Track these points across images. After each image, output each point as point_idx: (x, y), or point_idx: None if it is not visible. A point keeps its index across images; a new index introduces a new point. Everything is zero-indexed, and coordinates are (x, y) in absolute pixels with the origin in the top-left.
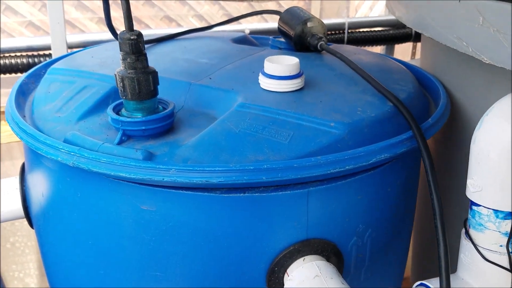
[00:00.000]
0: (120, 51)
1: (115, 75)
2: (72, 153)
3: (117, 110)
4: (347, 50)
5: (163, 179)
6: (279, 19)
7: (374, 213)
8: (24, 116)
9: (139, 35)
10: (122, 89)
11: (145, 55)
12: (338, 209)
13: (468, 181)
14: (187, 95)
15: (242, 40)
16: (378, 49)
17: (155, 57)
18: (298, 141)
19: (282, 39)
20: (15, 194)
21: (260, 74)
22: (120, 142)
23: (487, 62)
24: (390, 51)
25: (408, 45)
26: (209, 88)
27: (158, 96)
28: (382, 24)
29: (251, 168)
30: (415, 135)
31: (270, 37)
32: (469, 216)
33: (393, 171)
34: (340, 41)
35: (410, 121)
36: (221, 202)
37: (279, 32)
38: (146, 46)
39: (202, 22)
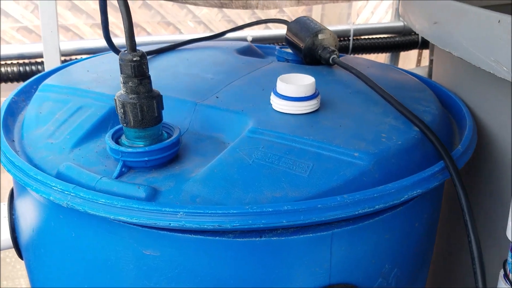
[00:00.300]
0: (121, 73)
1: (115, 100)
2: (66, 192)
3: (116, 137)
4: (359, 63)
5: (170, 224)
6: (287, 29)
7: (401, 250)
8: (13, 141)
9: (143, 56)
10: (123, 116)
11: (149, 77)
12: (364, 251)
13: (510, 222)
14: (193, 116)
15: (247, 50)
16: (383, 56)
17: (156, 72)
18: (319, 174)
19: (289, 50)
20: (3, 223)
21: (272, 94)
22: (119, 175)
23: None
24: (396, 58)
25: (414, 52)
26: (217, 109)
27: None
28: (387, 31)
29: (270, 210)
30: (448, 167)
31: (276, 47)
32: (510, 258)
33: (421, 205)
34: (345, 48)
35: (442, 150)
36: (234, 247)
37: (287, 43)
38: None
39: (200, 26)
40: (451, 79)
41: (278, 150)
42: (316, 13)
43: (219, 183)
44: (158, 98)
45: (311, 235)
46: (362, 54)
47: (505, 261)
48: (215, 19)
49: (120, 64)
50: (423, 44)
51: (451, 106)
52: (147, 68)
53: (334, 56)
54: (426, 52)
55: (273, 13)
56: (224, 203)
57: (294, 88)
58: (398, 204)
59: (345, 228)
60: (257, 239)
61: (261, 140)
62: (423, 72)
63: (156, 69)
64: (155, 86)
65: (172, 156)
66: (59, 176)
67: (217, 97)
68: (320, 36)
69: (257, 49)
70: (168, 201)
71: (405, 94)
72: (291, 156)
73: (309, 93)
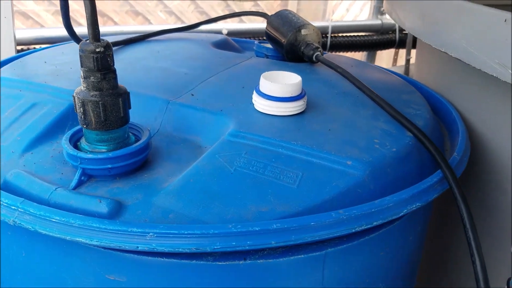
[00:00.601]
0: (82, 67)
1: (73, 97)
2: (14, 207)
3: (75, 140)
4: (341, 61)
5: (138, 247)
6: (268, 23)
7: (395, 266)
8: None
9: (107, 47)
10: (83, 116)
11: (114, 72)
12: (358, 270)
13: None
14: (164, 116)
15: (223, 44)
16: (359, 54)
17: (123, 65)
18: (310, 185)
19: (268, 45)
20: None
21: (254, 93)
22: (78, 185)
23: None
24: (372, 57)
25: (387, 52)
26: (192, 108)
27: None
28: (365, 28)
29: (257, 229)
30: (448, 178)
31: (255, 41)
32: None
33: (416, 218)
34: (322, 46)
35: (441, 161)
36: (215, 272)
37: (267, 38)
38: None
39: (171, 17)
40: (436, 80)
41: (263, 157)
42: (291, 8)
43: (196, 196)
44: (125, 95)
45: (302, 256)
46: (339, 52)
47: (509, 279)
48: (187, 10)
49: (80, 56)
50: (400, 43)
51: (439, 108)
52: (112, 60)
53: (318, 53)
54: (402, 52)
55: (247, 6)
56: (202, 220)
57: (279, 87)
58: (396, 218)
59: (340, 247)
60: (241, 262)
61: (244, 145)
62: (399, 71)
63: (123, 62)
64: (122, 81)
65: (140, 162)
66: (6, 186)
67: (193, 95)
68: (303, 32)
69: (234, 43)
70: (135, 217)
71: (394, 96)
72: (278, 164)
73: (295, 93)
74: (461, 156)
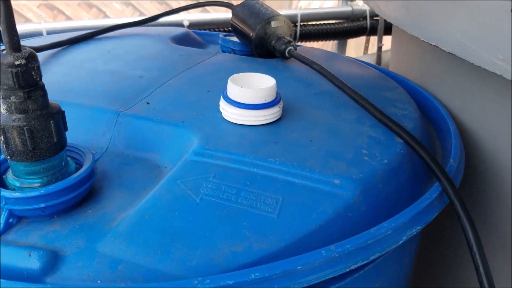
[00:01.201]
0: None
1: None
2: None
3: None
4: (316, 55)
5: None
6: (233, 14)
7: None
8: None
9: (31, 57)
10: (4, 146)
11: (42, 88)
12: None
13: None
14: (114, 131)
15: (184, 38)
16: (330, 43)
17: (66, 70)
18: (292, 212)
19: (235, 39)
20: None
21: (222, 99)
22: (5, 230)
23: None
24: (343, 45)
25: (354, 40)
26: (148, 120)
27: (68, 142)
28: (335, 16)
29: (230, 283)
30: (448, 193)
31: (220, 34)
32: None
33: (413, 238)
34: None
35: (439, 172)
36: None
37: (234, 31)
38: (53, 50)
39: (128, 8)
40: (418, 72)
41: (235, 180)
42: None
43: (152, 237)
44: (57, 116)
45: None
46: (309, 41)
47: None
48: (146, 1)
49: None
50: (372, 30)
51: (423, 104)
52: (39, 74)
53: (291, 48)
54: (374, 39)
55: None
56: (160, 270)
57: (251, 92)
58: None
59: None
60: None
61: (212, 166)
62: (371, 60)
63: (67, 65)
64: (62, 90)
65: (81, 196)
66: None
67: (148, 103)
68: (273, 24)
69: (196, 37)
70: (75, 272)
71: (377, 94)
72: (253, 188)
73: (269, 98)
74: (458, 162)
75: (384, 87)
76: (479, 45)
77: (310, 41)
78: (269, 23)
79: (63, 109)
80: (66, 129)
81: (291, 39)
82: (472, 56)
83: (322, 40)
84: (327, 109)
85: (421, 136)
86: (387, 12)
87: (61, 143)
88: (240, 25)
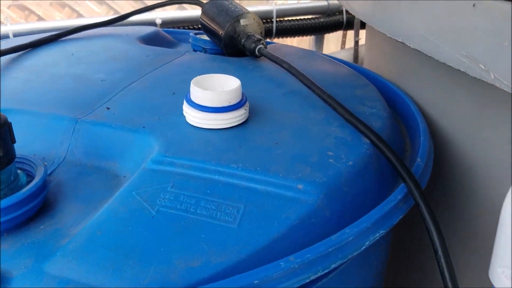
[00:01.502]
0: None
1: None
2: None
3: None
4: (288, 52)
5: None
6: (202, 12)
7: None
8: None
9: None
10: None
11: None
12: None
13: (499, 269)
14: (72, 139)
15: (153, 38)
16: (307, 39)
17: (27, 75)
18: (253, 221)
19: (206, 37)
20: None
21: (184, 102)
22: None
23: None
24: (320, 41)
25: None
26: (107, 126)
27: (18, 153)
28: (311, 11)
29: None
30: (414, 195)
31: (191, 33)
32: None
33: (380, 241)
34: (268, 32)
35: (404, 173)
36: None
37: (203, 29)
38: (15, 54)
39: (103, 6)
40: (390, 67)
41: (195, 189)
42: None
43: (104, 255)
44: (4, 128)
45: None
46: (286, 37)
47: None
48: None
49: None
50: (348, 24)
51: (394, 101)
52: None
53: (261, 46)
54: (350, 33)
55: None
56: None
57: (214, 95)
58: None
59: None
60: None
61: (171, 174)
62: (348, 55)
63: (28, 70)
64: (20, 97)
65: (32, 212)
66: None
67: (108, 108)
68: (242, 22)
69: (167, 36)
70: None
71: (347, 92)
72: (214, 197)
73: (234, 100)
74: (426, 161)
75: (354, 85)
76: (443, 41)
77: (286, 37)
78: (238, 21)
79: (18, 118)
80: (14, 141)
81: (261, 37)
82: (437, 53)
83: (298, 36)
84: (295, 110)
85: (389, 135)
86: (356, 8)
87: (8, 157)
88: (209, 23)
